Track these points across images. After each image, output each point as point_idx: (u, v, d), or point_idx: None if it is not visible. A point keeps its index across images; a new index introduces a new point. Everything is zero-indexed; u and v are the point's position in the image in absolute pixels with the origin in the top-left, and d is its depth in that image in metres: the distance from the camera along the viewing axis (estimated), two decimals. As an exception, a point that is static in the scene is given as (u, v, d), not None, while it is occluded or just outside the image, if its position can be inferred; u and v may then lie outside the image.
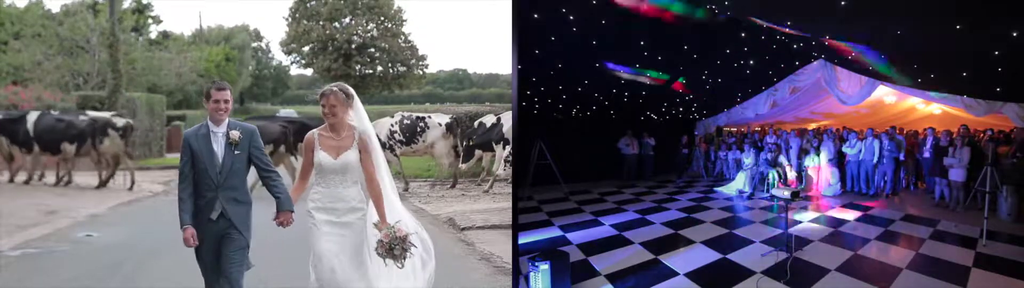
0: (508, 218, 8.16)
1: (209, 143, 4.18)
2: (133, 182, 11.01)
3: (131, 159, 11.27)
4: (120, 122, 11.24)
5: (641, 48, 9.34)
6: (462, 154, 11.08)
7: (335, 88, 4.23)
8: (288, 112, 14.85)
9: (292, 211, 4.21)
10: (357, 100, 4.32)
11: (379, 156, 4.36)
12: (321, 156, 4.19)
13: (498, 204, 9.93)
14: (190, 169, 4.17)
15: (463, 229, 8.52)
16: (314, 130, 4.28)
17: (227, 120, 4.23)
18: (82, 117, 11.04)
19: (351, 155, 4.20)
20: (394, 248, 4.06)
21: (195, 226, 4.13)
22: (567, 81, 9.78)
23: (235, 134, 4.21)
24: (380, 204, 4.21)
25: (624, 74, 10.11)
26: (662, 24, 8.55)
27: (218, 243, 4.20)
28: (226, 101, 4.18)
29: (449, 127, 11.05)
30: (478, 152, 11.10)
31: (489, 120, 11.10)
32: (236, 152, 4.20)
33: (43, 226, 8.53)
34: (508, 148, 10.56)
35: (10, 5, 14.26)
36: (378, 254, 4.10)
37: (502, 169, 10.68)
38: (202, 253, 4.22)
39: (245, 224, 4.25)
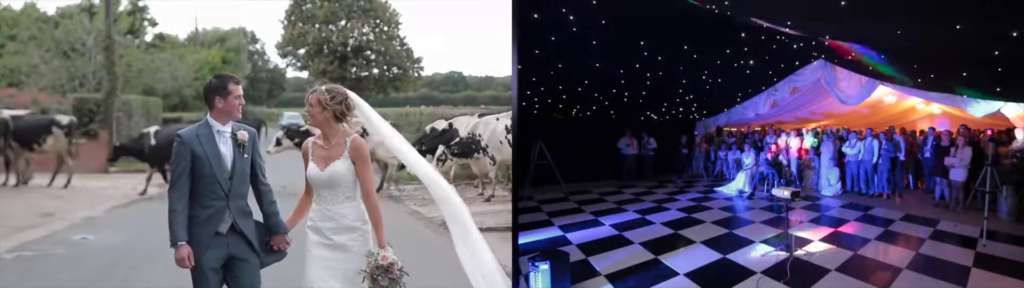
0: (503, 220, 8.14)
1: (214, 144, 3.59)
2: (69, 182, 10.91)
3: (73, 158, 11.16)
4: (64, 120, 11.13)
5: (641, 48, 9.33)
6: None
7: (322, 87, 3.73)
8: (291, 115, 14.83)
9: (286, 234, 3.77)
10: (363, 105, 3.82)
11: (419, 166, 3.96)
12: (310, 168, 3.70)
13: (493, 207, 9.89)
14: (188, 175, 3.54)
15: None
16: (310, 138, 3.82)
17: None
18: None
19: (339, 166, 3.65)
20: (378, 278, 3.58)
21: (194, 245, 3.53)
22: (567, 81, 9.76)
23: (243, 134, 3.66)
24: (378, 224, 3.71)
25: (623, 74, 10.10)
26: (662, 24, 8.54)
27: (224, 268, 3.65)
28: (242, 96, 3.67)
29: None
30: (428, 157, 11.16)
31: (440, 125, 11.15)
32: (245, 156, 3.66)
33: (38, 228, 8.49)
34: (442, 148, 10.66)
35: (5, 8, 14.24)
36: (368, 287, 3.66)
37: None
38: (206, 282, 3.59)
39: (261, 240, 3.72)
